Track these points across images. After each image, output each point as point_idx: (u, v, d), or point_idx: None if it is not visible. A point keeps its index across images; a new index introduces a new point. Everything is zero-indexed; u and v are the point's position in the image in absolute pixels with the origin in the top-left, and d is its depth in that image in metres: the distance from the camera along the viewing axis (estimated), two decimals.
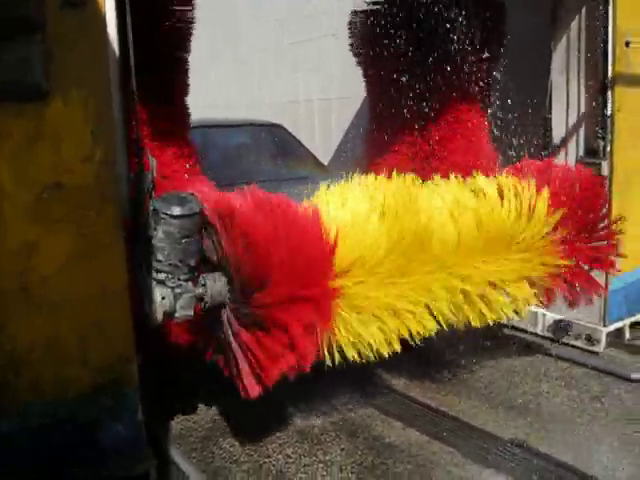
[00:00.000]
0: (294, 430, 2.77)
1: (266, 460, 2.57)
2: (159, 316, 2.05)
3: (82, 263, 1.99)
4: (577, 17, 3.35)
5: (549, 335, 3.57)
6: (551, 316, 3.56)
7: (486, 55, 3.48)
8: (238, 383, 2.12)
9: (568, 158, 3.42)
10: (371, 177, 2.71)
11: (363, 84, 4.07)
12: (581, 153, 3.40)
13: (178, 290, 2.07)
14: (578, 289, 2.81)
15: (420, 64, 3.59)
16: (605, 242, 2.86)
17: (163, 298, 2.05)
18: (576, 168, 3.06)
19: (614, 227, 2.88)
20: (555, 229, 2.70)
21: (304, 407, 2.90)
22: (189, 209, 2.05)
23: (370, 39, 3.80)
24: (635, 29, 3.17)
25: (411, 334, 2.36)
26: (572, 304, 2.87)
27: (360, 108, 4.99)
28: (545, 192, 2.68)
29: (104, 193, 2.01)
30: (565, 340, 3.51)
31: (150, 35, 2.53)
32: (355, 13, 3.88)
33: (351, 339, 2.20)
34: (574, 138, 3.46)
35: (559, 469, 2.41)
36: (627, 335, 3.51)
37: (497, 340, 3.52)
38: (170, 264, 2.05)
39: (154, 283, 2.06)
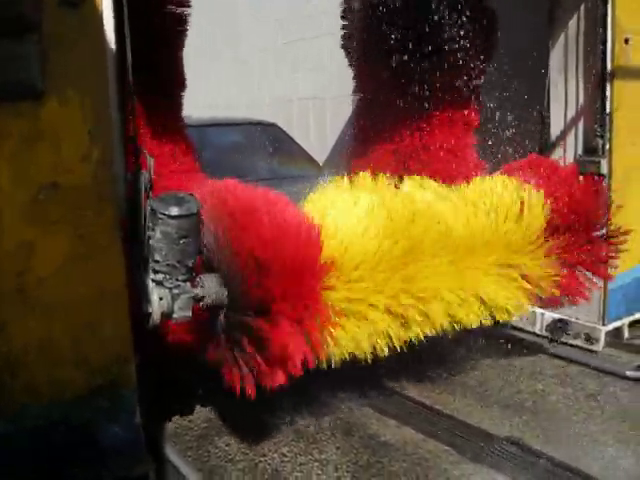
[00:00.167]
0: (289, 429, 2.78)
1: (261, 459, 2.58)
2: (157, 317, 2.05)
3: (79, 264, 1.98)
4: (575, 15, 3.34)
5: (547, 334, 3.57)
6: (550, 315, 3.56)
7: (475, 58, 3.45)
8: (236, 384, 2.12)
9: (566, 156, 3.42)
10: (365, 178, 2.71)
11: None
12: (579, 151, 3.39)
13: (176, 291, 2.07)
14: (574, 291, 2.80)
15: (403, 67, 3.56)
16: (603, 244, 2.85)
17: (161, 299, 2.04)
18: (574, 167, 3.06)
19: (613, 230, 2.88)
20: (552, 230, 2.70)
21: (299, 406, 2.90)
22: (187, 209, 2.03)
23: (358, 38, 3.81)
24: (634, 28, 3.17)
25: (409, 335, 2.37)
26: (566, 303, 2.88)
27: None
28: (542, 192, 2.69)
29: (101, 193, 2.00)
30: (564, 339, 3.51)
31: (145, 31, 2.52)
32: (345, 10, 3.90)
33: (347, 340, 2.21)
34: (572, 136, 3.46)
35: (554, 467, 2.42)
36: (626, 334, 3.52)
37: (492, 338, 3.53)
38: (168, 265, 2.04)
39: (152, 284, 2.05)
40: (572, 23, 3.36)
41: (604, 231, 2.87)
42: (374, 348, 2.27)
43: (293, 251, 2.06)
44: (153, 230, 2.03)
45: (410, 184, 2.78)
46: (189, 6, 2.98)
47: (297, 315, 2.03)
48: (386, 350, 2.30)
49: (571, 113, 3.45)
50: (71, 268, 1.97)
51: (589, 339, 3.42)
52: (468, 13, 3.26)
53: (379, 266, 2.27)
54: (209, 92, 6.70)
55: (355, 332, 2.21)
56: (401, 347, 2.38)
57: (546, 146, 3.56)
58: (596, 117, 3.24)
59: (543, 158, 3.22)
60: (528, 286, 2.64)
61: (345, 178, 2.74)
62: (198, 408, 2.99)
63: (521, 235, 2.63)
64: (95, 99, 1.97)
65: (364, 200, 2.44)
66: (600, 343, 3.39)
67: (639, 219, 3.04)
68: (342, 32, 3.95)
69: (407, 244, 2.34)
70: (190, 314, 2.11)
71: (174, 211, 2.01)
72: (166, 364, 2.65)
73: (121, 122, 2.22)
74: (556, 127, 3.53)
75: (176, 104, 3.07)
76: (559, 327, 3.50)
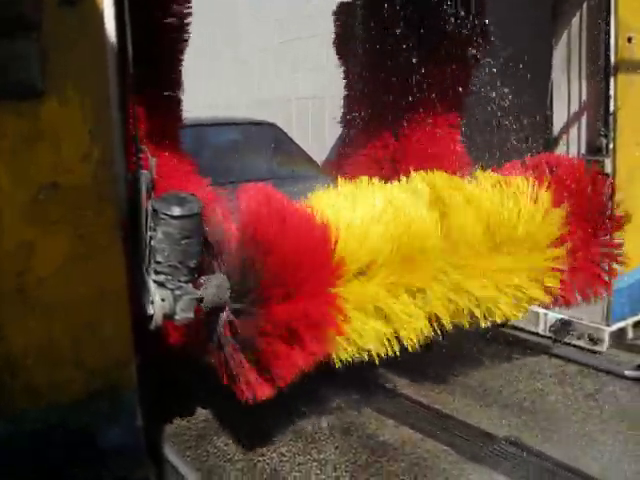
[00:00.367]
0: (288, 429, 2.78)
1: (260, 459, 2.58)
2: (159, 318, 2.03)
3: (79, 264, 1.98)
4: (578, 13, 3.34)
5: (551, 335, 3.57)
6: (553, 316, 3.55)
7: (461, 61, 3.47)
8: (239, 386, 2.11)
9: (569, 156, 3.39)
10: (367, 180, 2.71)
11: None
12: (583, 151, 3.39)
13: (178, 292, 2.04)
14: (581, 289, 2.79)
15: (388, 67, 3.58)
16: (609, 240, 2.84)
17: (163, 300, 2.02)
18: (580, 164, 3.03)
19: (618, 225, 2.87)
20: (559, 227, 2.67)
21: (298, 406, 2.90)
22: (189, 209, 2.02)
23: (347, 37, 3.82)
24: (638, 27, 3.17)
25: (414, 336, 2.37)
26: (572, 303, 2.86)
27: None
28: (549, 190, 2.67)
29: (102, 193, 2.00)
30: (567, 340, 3.50)
31: (145, 29, 2.50)
32: (336, 12, 3.90)
33: (353, 340, 2.21)
34: (576, 136, 3.46)
35: (553, 467, 2.43)
36: (630, 334, 3.51)
37: (492, 339, 3.54)
38: (170, 265, 2.02)
39: (153, 285, 2.03)
40: (575, 20, 3.35)
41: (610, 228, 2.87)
42: (382, 349, 2.28)
43: (306, 251, 2.05)
44: (155, 230, 2.01)
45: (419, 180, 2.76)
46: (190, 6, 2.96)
47: (311, 316, 2.03)
48: (395, 349, 2.31)
49: (574, 112, 3.44)
50: (71, 268, 1.97)
51: (593, 339, 3.41)
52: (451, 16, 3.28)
53: (390, 266, 2.28)
54: (209, 92, 6.70)
55: (365, 330, 2.21)
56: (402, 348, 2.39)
57: (549, 144, 3.55)
58: (600, 116, 3.24)
59: (548, 155, 3.20)
60: (544, 284, 2.64)
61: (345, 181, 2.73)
62: (197, 408, 2.99)
63: (531, 232, 2.61)
64: (96, 98, 1.97)
65: (377, 199, 2.44)
66: (604, 344, 3.38)
67: None
68: (333, 34, 3.97)
69: (417, 244, 2.34)
70: (192, 315, 2.09)
71: (176, 211, 2.00)
72: (167, 365, 2.64)
73: (122, 121, 2.21)
74: (559, 126, 3.52)
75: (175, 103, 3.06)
76: (563, 328, 3.50)
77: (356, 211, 2.37)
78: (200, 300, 2.10)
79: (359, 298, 2.22)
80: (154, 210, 2.02)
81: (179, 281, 2.05)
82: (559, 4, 3.42)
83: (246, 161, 4.39)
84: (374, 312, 2.25)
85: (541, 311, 3.53)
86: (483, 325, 2.56)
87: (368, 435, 2.74)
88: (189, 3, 2.78)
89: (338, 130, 5.62)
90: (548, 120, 3.57)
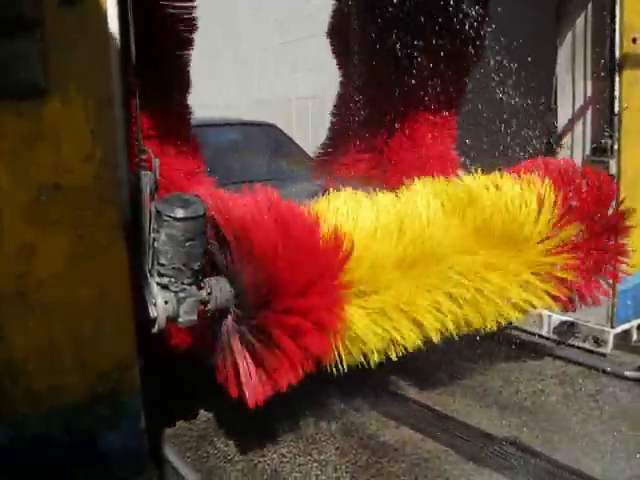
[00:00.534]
0: (288, 429, 2.78)
1: (261, 459, 2.58)
2: (162, 321, 2.02)
3: (80, 265, 1.96)
4: (583, 14, 3.33)
5: (555, 337, 3.56)
6: (557, 317, 3.53)
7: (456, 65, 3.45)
8: (243, 389, 2.09)
9: (574, 157, 3.40)
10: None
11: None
12: (587, 152, 3.38)
13: (182, 294, 2.03)
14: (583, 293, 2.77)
15: (382, 63, 3.55)
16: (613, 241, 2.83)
17: (166, 302, 2.01)
18: (585, 165, 3.03)
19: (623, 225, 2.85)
20: (562, 228, 2.65)
21: (298, 407, 2.90)
22: (193, 211, 2.00)
23: (342, 37, 3.81)
24: None
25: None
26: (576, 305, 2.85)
27: None
28: (552, 191, 2.66)
29: (103, 194, 1.99)
30: (572, 342, 3.49)
31: (150, 29, 2.50)
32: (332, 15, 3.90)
33: (359, 342, 2.20)
34: (580, 137, 3.44)
35: (554, 467, 2.43)
36: (634, 336, 3.49)
37: (492, 339, 3.53)
38: (173, 268, 2.01)
39: (157, 287, 2.02)
40: (580, 21, 3.35)
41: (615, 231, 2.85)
42: (388, 350, 2.27)
43: (312, 253, 2.05)
44: (158, 232, 2.00)
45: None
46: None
47: (317, 319, 2.02)
48: (400, 352, 2.30)
49: (579, 112, 3.43)
50: (72, 269, 1.95)
51: (597, 341, 3.40)
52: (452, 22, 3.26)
53: (396, 271, 2.27)
54: (209, 92, 6.70)
55: (369, 333, 2.20)
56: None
57: (554, 145, 3.54)
58: (604, 117, 3.23)
59: (553, 157, 3.19)
60: (549, 286, 2.62)
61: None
62: (198, 409, 2.99)
63: (534, 234, 2.59)
64: (98, 98, 1.96)
65: (380, 201, 2.44)
66: (608, 345, 3.36)
67: None
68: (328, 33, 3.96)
69: (422, 246, 2.33)
70: (196, 318, 2.08)
71: (180, 213, 1.98)
72: (170, 367, 2.64)
73: (124, 122, 2.20)
74: (563, 126, 3.51)
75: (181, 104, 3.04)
76: (567, 330, 3.49)
77: (363, 215, 2.37)
78: (204, 303, 2.09)
79: (364, 303, 2.21)
80: (157, 212, 2.00)
81: (183, 283, 2.03)
82: (563, 5, 3.41)
83: (246, 162, 4.39)
84: (379, 317, 2.25)
85: (545, 313, 3.51)
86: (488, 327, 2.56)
87: (369, 436, 2.74)
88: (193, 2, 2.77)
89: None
90: (553, 121, 3.56)
